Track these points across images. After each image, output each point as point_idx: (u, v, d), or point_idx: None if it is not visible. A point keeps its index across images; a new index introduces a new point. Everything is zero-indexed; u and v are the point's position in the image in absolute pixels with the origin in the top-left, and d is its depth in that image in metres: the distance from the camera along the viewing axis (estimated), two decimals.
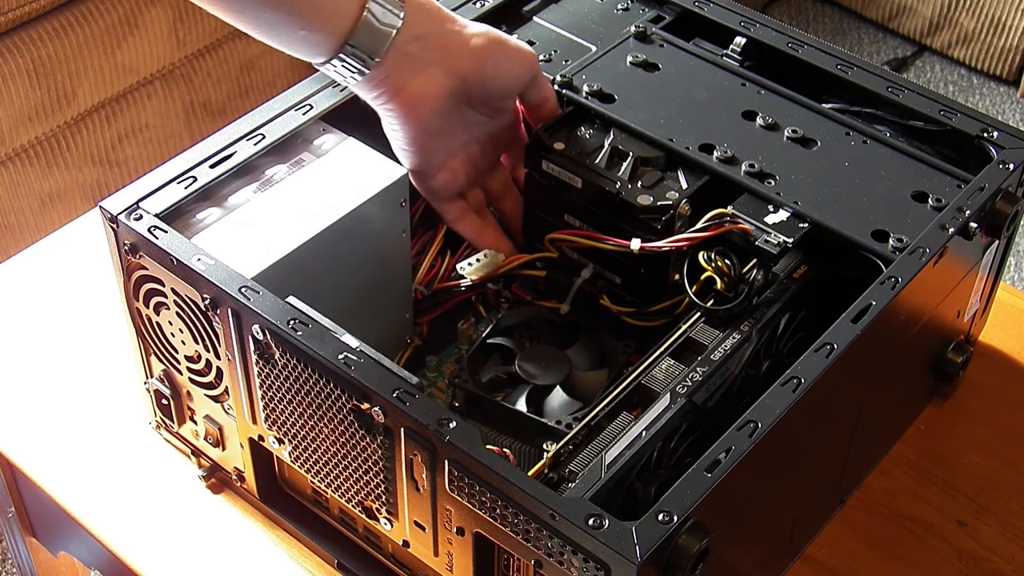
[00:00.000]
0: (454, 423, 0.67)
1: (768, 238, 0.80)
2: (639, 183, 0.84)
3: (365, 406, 0.70)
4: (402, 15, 0.76)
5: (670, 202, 0.82)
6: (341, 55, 0.76)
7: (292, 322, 0.72)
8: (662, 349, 0.78)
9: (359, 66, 0.77)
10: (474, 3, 0.95)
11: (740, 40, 0.94)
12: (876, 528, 0.87)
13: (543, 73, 0.86)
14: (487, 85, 0.82)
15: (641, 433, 0.71)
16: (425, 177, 0.84)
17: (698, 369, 0.75)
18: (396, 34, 0.76)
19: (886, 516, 0.87)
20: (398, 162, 0.83)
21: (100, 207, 0.78)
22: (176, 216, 0.79)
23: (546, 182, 0.86)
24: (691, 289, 0.79)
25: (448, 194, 0.86)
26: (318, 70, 0.80)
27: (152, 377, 0.85)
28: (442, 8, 0.81)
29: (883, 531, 0.86)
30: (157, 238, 0.76)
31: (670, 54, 0.93)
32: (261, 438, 0.79)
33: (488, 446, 0.67)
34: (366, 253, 0.83)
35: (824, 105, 0.90)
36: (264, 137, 0.83)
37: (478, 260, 0.87)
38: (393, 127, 0.82)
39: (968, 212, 0.80)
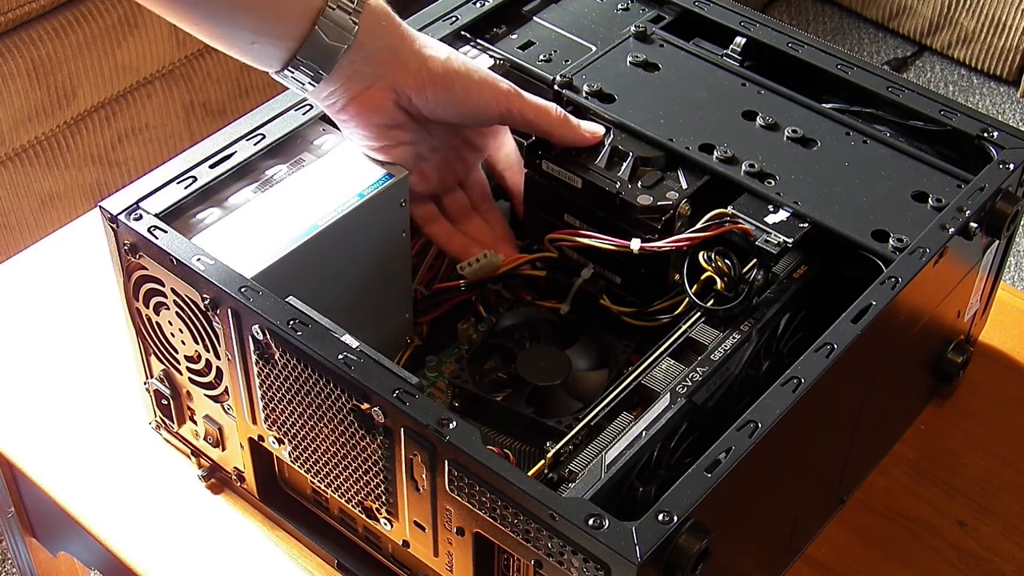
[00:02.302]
0: (454, 423, 0.67)
1: (768, 238, 0.80)
2: (639, 183, 0.84)
3: (365, 406, 0.70)
4: (353, 34, 0.77)
5: (670, 202, 0.82)
6: (290, 67, 0.77)
7: (292, 322, 0.72)
8: (662, 349, 0.78)
9: (308, 79, 0.78)
10: (474, 3, 0.95)
11: (740, 40, 0.94)
12: (876, 528, 0.87)
13: (526, 96, 0.83)
14: (436, 110, 0.81)
15: (641, 433, 0.71)
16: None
17: (698, 369, 0.75)
18: (346, 50, 0.77)
19: (886, 516, 0.87)
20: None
21: (100, 207, 0.78)
22: (176, 216, 0.79)
23: (546, 182, 0.86)
24: (691, 289, 0.79)
25: (416, 197, 0.86)
26: None
27: (152, 377, 0.85)
28: (403, 27, 0.80)
29: (883, 531, 0.86)
30: (157, 238, 0.76)
31: (670, 54, 0.93)
32: (261, 438, 0.79)
33: (488, 446, 0.67)
34: (366, 253, 0.83)
35: (824, 105, 0.90)
36: (264, 137, 0.83)
37: (478, 260, 0.87)
38: (348, 132, 0.82)
39: (968, 212, 0.80)
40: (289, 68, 0.77)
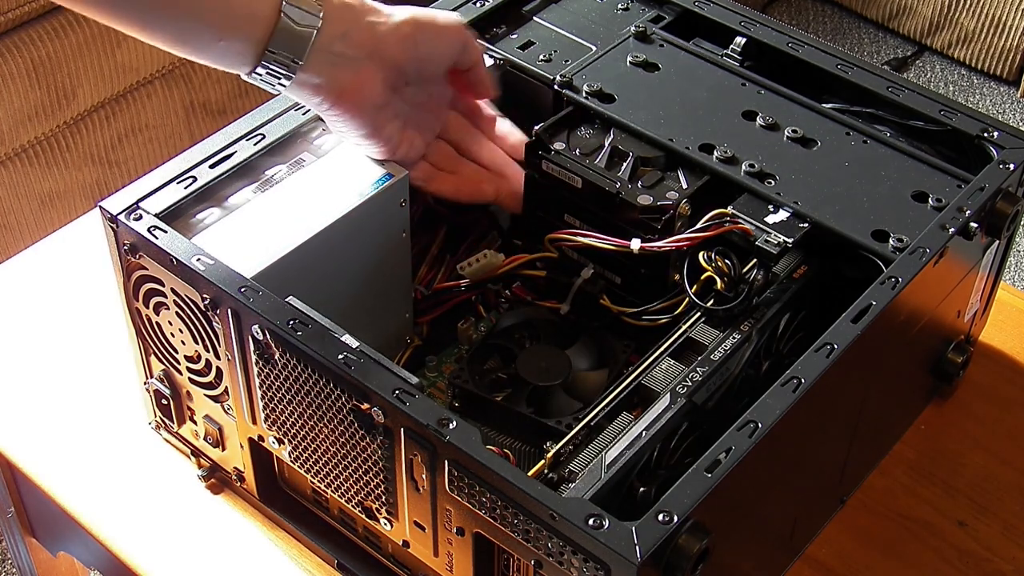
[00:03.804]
0: (454, 423, 0.67)
1: (768, 238, 0.80)
2: (639, 183, 0.84)
3: (365, 406, 0.70)
4: (321, 15, 0.76)
5: (670, 202, 0.82)
6: (264, 62, 0.76)
7: (292, 322, 0.72)
8: (662, 349, 0.78)
9: (284, 71, 0.76)
10: (474, 3, 0.95)
11: (740, 40, 0.94)
12: (876, 528, 0.87)
13: (471, 37, 0.84)
14: (422, 66, 0.82)
15: (641, 433, 0.71)
16: (386, 156, 0.84)
17: (698, 369, 0.75)
18: (317, 34, 0.76)
19: (886, 516, 0.87)
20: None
21: (100, 207, 0.78)
22: (176, 216, 0.79)
23: (546, 182, 0.86)
24: (691, 289, 0.79)
25: (411, 161, 0.85)
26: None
27: (152, 377, 0.85)
28: (366, 3, 0.79)
29: (883, 531, 0.86)
30: (157, 238, 0.76)
31: (670, 54, 0.93)
32: (261, 438, 0.79)
33: (488, 446, 0.67)
34: (366, 253, 0.83)
35: (824, 105, 0.90)
36: (264, 137, 0.83)
37: (478, 260, 0.87)
38: (339, 128, 0.82)
39: (968, 212, 0.80)
40: (261, 64, 0.76)
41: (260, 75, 0.77)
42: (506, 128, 0.90)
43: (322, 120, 0.85)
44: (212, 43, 0.75)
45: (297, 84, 0.77)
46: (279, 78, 0.77)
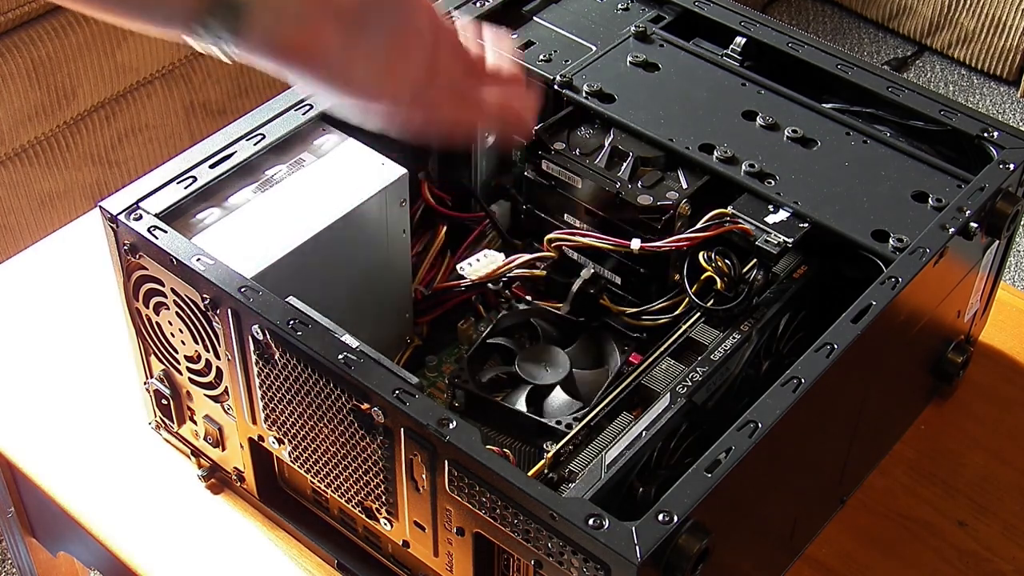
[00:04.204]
0: (454, 423, 0.67)
1: (768, 238, 0.80)
2: (639, 183, 0.84)
3: (365, 406, 0.70)
4: None
5: (670, 202, 0.82)
6: (206, 14, 0.66)
7: (292, 322, 0.72)
8: (662, 349, 0.78)
9: (227, 24, 0.67)
10: (474, 3, 0.95)
11: (740, 40, 0.94)
12: (876, 528, 0.87)
13: None
14: None
15: (641, 433, 0.71)
16: (370, 100, 0.75)
17: (698, 369, 0.75)
18: None
19: (886, 516, 0.87)
20: (398, 162, 0.83)
21: (100, 207, 0.78)
22: (176, 216, 0.79)
23: (546, 182, 0.86)
24: (691, 289, 0.79)
25: (408, 97, 0.75)
26: None
27: (152, 377, 0.85)
28: None
29: (883, 531, 0.86)
30: (157, 238, 0.76)
31: (670, 54, 0.93)
32: (261, 438, 0.79)
33: (488, 446, 0.67)
34: (366, 253, 0.83)
35: (824, 105, 0.90)
36: (264, 137, 0.83)
37: (478, 260, 0.87)
38: (310, 89, 0.77)
39: (968, 212, 0.80)
40: (203, 17, 0.66)
41: (201, 34, 0.68)
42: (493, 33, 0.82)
43: (322, 120, 0.85)
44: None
45: (243, 42, 0.68)
46: (222, 36, 0.68)
